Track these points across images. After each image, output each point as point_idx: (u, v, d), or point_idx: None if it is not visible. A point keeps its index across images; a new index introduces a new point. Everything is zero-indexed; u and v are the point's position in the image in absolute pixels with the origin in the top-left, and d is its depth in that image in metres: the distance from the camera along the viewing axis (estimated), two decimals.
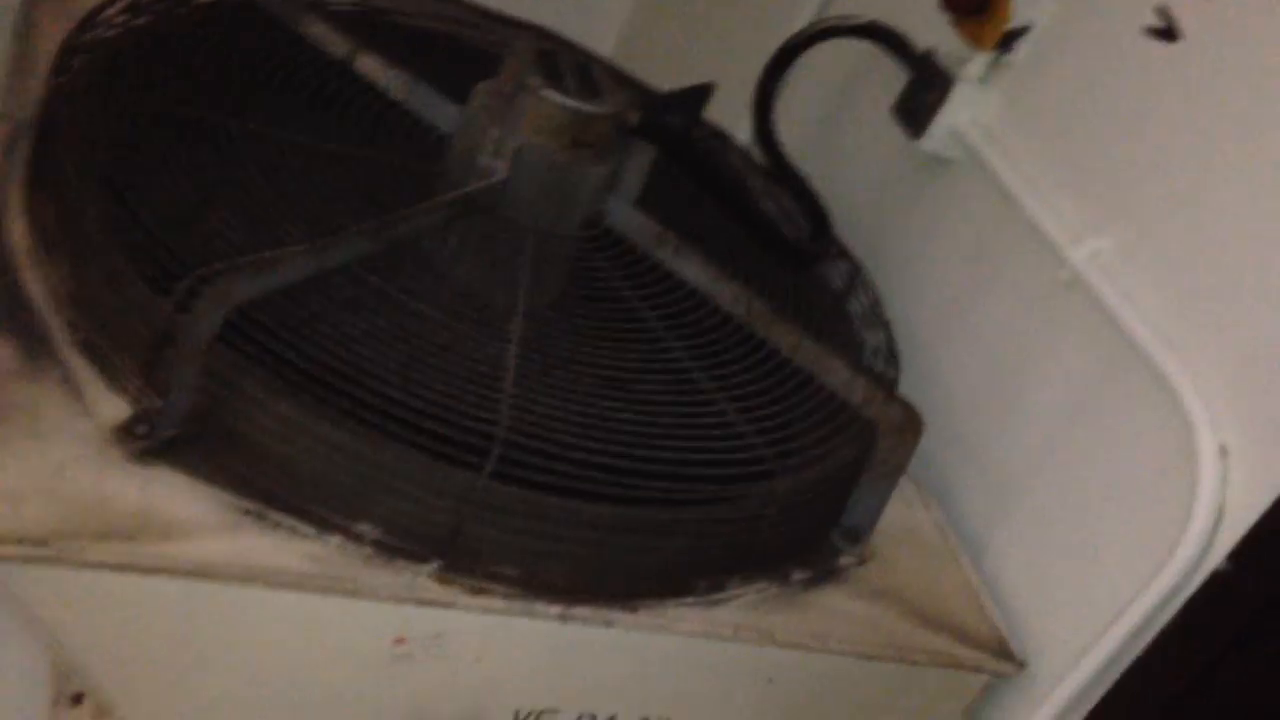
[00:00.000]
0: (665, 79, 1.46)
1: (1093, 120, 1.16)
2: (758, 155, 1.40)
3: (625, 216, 1.09)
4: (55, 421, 0.79)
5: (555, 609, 0.84)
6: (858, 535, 1.06)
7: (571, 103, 1.00)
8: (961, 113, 1.28)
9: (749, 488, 0.91)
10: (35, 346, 0.84)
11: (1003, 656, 1.03)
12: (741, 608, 0.94)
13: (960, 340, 1.25)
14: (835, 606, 0.99)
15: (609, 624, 0.86)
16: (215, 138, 0.99)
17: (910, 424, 1.01)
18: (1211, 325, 0.98)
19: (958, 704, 1.05)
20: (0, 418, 0.77)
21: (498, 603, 0.83)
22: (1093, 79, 1.17)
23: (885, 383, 1.09)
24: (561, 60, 1.06)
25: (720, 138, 1.45)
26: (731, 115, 1.46)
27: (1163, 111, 1.09)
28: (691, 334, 1.03)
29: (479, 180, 1.01)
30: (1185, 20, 1.07)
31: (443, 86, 1.12)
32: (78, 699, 0.97)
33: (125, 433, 0.80)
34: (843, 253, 1.32)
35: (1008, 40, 1.27)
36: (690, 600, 0.91)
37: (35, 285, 0.88)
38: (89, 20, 1.07)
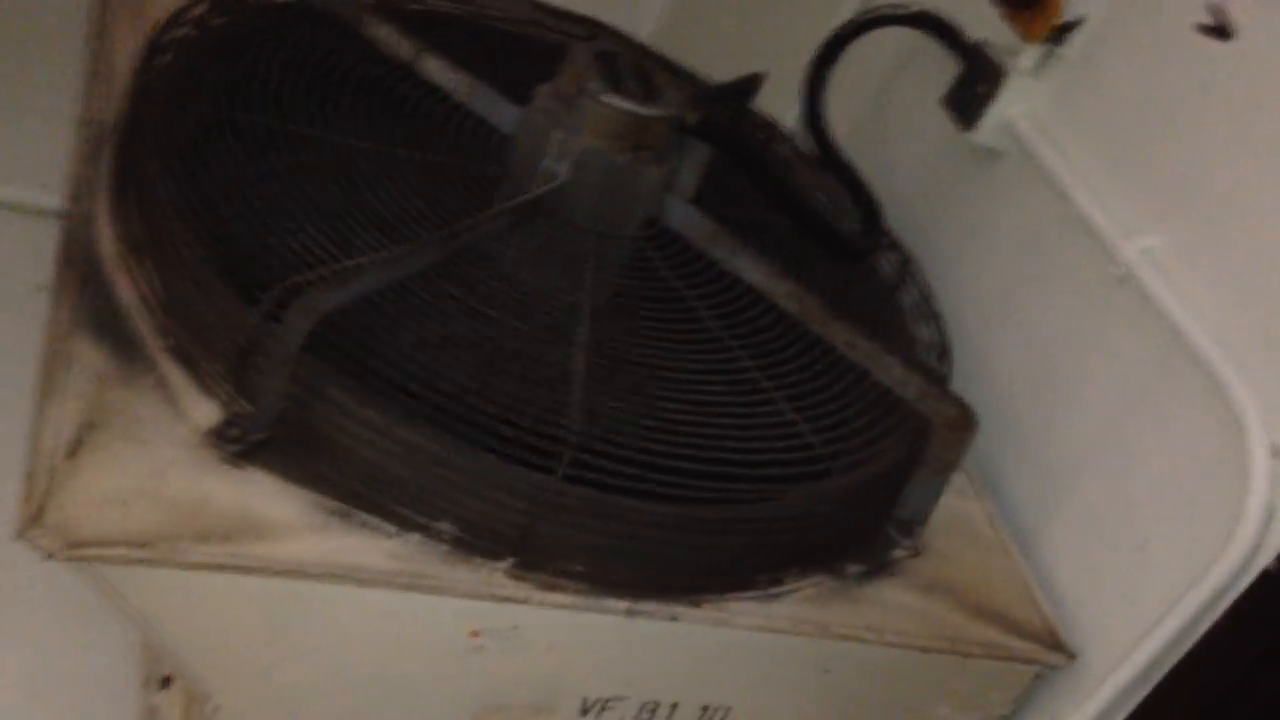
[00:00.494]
0: (706, 67, 1.48)
1: (1145, 116, 1.17)
2: (805, 144, 1.42)
3: (682, 215, 1.11)
4: (152, 425, 0.83)
5: (623, 605, 0.88)
6: (911, 528, 1.09)
7: (632, 107, 1.03)
8: (1013, 105, 1.30)
9: (806, 486, 0.94)
10: (129, 351, 0.89)
11: (1054, 648, 1.06)
12: (799, 601, 0.97)
13: (1011, 333, 1.27)
14: (889, 599, 1.02)
15: (674, 618, 0.90)
16: (291, 144, 1.03)
17: (964, 421, 1.04)
18: (1263, 324, 0.99)
19: (1009, 693, 1.08)
20: (101, 423, 0.81)
21: (568, 598, 0.87)
22: (1145, 74, 1.18)
23: (939, 378, 1.11)
24: (620, 62, 1.09)
25: (768, 127, 1.47)
26: (779, 104, 1.48)
27: (1216, 108, 1.09)
28: (748, 332, 1.06)
29: (541, 183, 1.05)
30: (1240, 18, 1.08)
31: (502, 84, 1.15)
32: (166, 682, 1.02)
33: (218, 436, 0.84)
34: (893, 244, 1.34)
35: (1060, 33, 1.28)
36: (750, 594, 0.95)
37: (126, 291, 0.93)
38: (170, 22, 1.10)
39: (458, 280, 0.95)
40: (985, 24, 1.32)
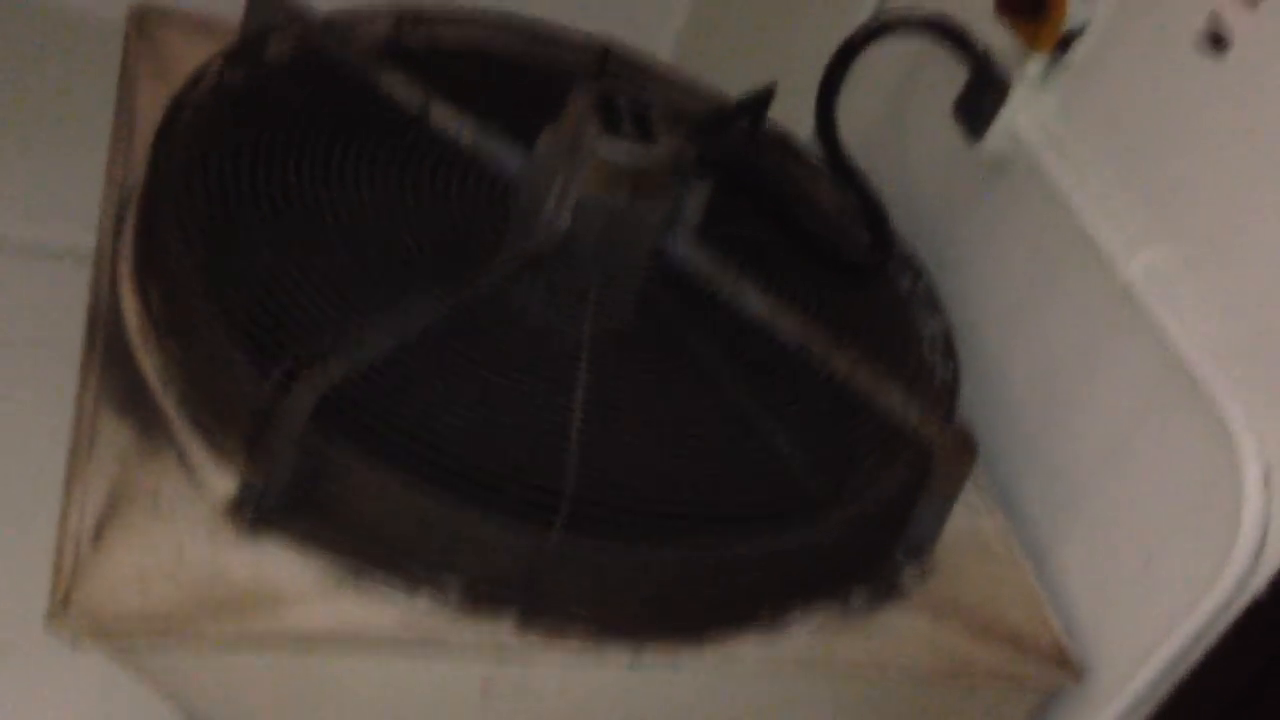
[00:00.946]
0: (728, 78, 1.50)
1: (1149, 126, 1.16)
2: (819, 155, 1.43)
3: (685, 248, 1.14)
4: (174, 500, 0.89)
5: (624, 658, 0.92)
6: (920, 551, 1.11)
7: (627, 154, 1.05)
8: (1021, 114, 1.29)
9: (804, 526, 0.97)
10: (152, 425, 0.94)
11: (1062, 666, 1.08)
12: (804, 636, 1.00)
13: (1023, 343, 1.28)
14: (895, 626, 1.05)
15: (676, 667, 0.93)
16: (303, 207, 1.06)
17: (964, 447, 1.05)
18: (1262, 347, 0.99)
19: (1020, 708, 1.10)
20: (124, 502, 0.87)
21: (571, 650, 0.91)
22: (1148, 82, 1.17)
23: (942, 402, 1.13)
24: (619, 104, 1.11)
25: (783, 141, 1.48)
26: (796, 115, 1.49)
27: (1219, 121, 1.09)
28: (748, 368, 1.08)
29: (544, 229, 1.08)
30: (1235, 28, 1.07)
31: (513, 120, 1.17)
32: None
33: (234, 508, 0.89)
34: (905, 256, 1.34)
35: (1065, 41, 1.27)
36: (754, 629, 0.98)
37: (149, 363, 0.98)
38: (188, 85, 1.15)
39: (460, 337, 0.99)
40: (993, 32, 1.32)
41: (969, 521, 1.19)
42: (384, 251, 1.05)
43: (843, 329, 1.18)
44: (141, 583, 0.82)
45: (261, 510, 0.89)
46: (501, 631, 0.90)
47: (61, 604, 0.78)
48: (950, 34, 1.37)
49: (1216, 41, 1.09)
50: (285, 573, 0.87)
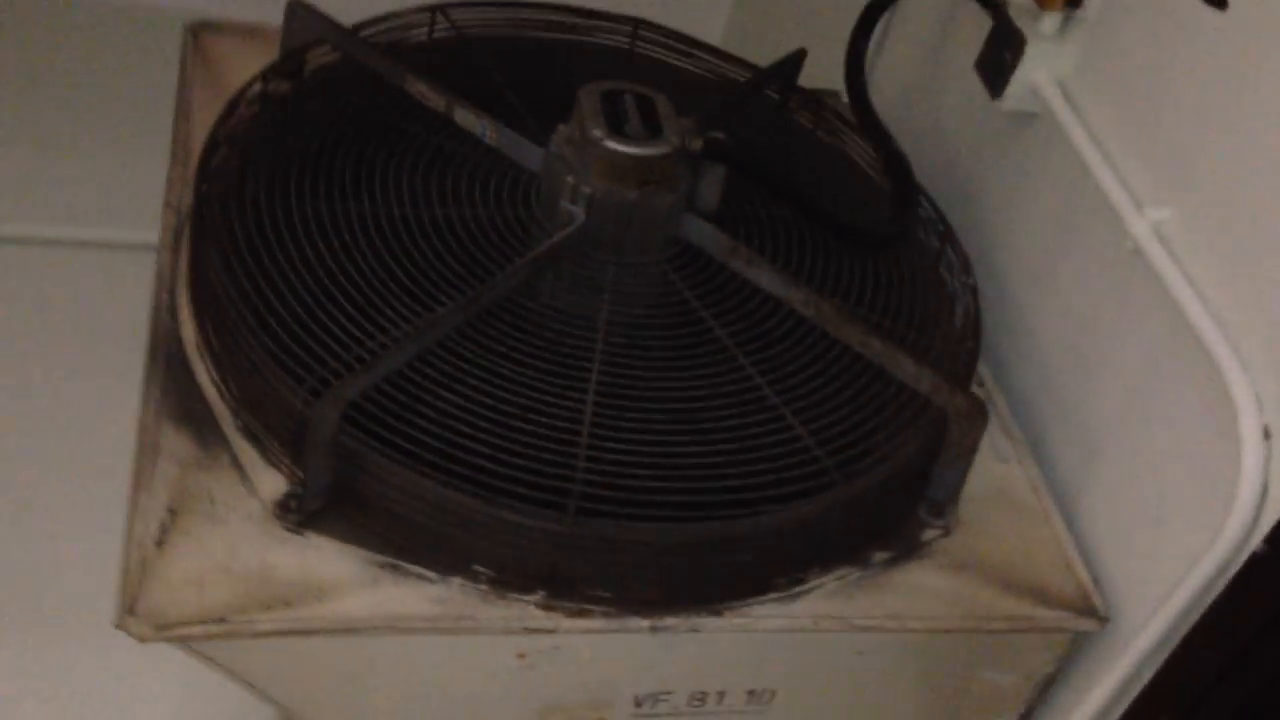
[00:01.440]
0: (779, 52, 1.51)
1: (1160, 82, 1.15)
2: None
3: (700, 232, 1.18)
4: (228, 503, 0.98)
5: (646, 624, 0.99)
6: (942, 509, 1.15)
7: (632, 150, 1.10)
8: (1038, 70, 1.29)
9: (812, 499, 1.02)
10: (208, 433, 1.03)
11: (1085, 614, 1.11)
12: (822, 597, 1.05)
13: (1047, 296, 1.29)
14: (916, 583, 1.09)
15: (696, 630, 1.00)
16: (336, 222, 1.14)
17: (974, 411, 1.09)
18: (1263, 306, 1.00)
19: (1049, 654, 1.14)
20: (184, 508, 0.97)
21: (596, 622, 0.98)
22: (1156, 37, 1.16)
23: (956, 367, 1.16)
24: (625, 100, 1.16)
25: (816, 103, 1.50)
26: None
27: (1228, 78, 1.08)
28: (761, 347, 1.13)
29: (561, 225, 1.14)
30: None
31: (545, 105, 1.23)
32: None
33: (281, 508, 0.98)
34: (930, 216, 1.36)
35: None
36: (772, 596, 1.04)
37: (204, 375, 1.07)
38: (232, 103, 1.23)
39: (479, 340, 1.05)
40: None
41: (1000, 471, 1.22)
42: (411, 262, 1.12)
43: (862, 297, 1.22)
44: (199, 582, 0.91)
45: (305, 510, 0.97)
46: (530, 610, 0.97)
47: (129, 609, 0.88)
48: None
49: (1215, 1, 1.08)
50: (328, 566, 0.96)
